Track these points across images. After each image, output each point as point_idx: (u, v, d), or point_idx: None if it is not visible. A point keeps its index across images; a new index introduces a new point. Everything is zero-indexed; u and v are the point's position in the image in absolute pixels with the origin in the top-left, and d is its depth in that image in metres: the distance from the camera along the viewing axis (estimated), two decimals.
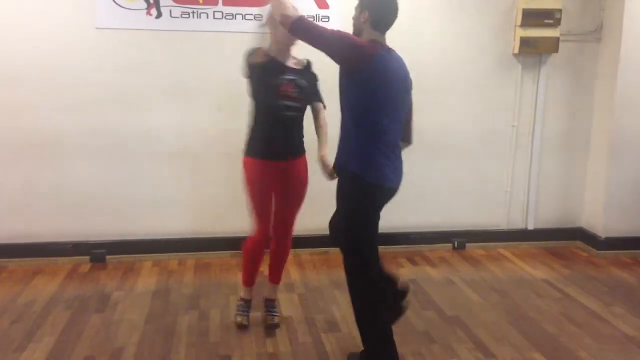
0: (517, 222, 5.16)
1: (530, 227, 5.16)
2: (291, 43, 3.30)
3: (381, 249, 4.95)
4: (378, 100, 2.83)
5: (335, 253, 4.74)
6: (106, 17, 4.32)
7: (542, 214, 5.17)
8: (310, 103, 3.43)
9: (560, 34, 4.78)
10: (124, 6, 4.33)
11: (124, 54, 4.38)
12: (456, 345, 3.39)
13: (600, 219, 4.98)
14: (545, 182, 5.12)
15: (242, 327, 3.54)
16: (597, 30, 4.91)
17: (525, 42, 4.76)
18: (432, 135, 4.87)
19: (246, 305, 3.64)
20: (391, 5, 2.94)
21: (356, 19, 2.96)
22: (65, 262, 4.52)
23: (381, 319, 3.00)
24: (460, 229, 5.06)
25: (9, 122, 4.34)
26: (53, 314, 3.70)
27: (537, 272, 4.58)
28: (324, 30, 2.81)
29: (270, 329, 3.55)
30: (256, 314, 3.69)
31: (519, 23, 4.75)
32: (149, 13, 4.36)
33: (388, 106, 2.86)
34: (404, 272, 4.49)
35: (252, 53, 3.30)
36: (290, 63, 3.36)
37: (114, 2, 4.31)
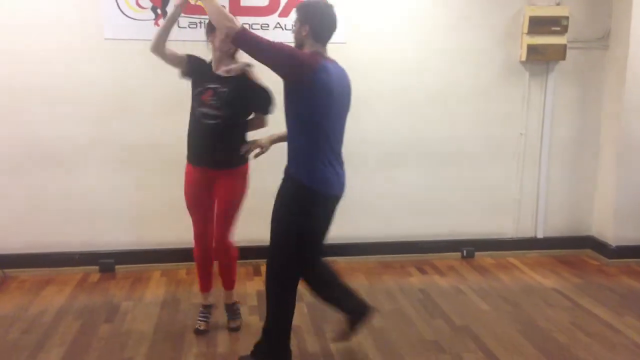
0: (526, 230, 5.14)
1: (540, 235, 5.13)
2: (228, 50, 3.33)
3: (390, 257, 4.97)
4: (322, 109, 2.88)
5: (344, 263, 4.76)
6: (114, 28, 4.35)
7: (552, 222, 5.14)
8: (245, 113, 3.44)
9: (568, 41, 4.77)
10: (132, 17, 4.36)
11: (133, 64, 4.40)
12: (466, 355, 3.37)
13: (610, 227, 4.95)
14: (554, 190, 5.10)
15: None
16: (605, 37, 4.90)
17: (532, 50, 4.75)
18: (440, 144, 4.87)
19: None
20: (331, 17, 2.99)
21: (297, 33, 3.00)
22: (75, 272, 4.54)
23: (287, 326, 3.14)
24: (469, 238, 5.04)
25: (17, 132, 4.38)
26: (63, 324, 3.71)
27: (547, 281, 4.55)
28: (267, 42, 2.81)
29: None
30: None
31: (525, 30, 4.74)
32: (157, 24, 4.38)
33: (331, 114, 2.92)
34: (412, 281, 4.48)
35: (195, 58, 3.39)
36: (221, 71, 3.37)
37: (122, 13, 4.34)
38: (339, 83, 2.96)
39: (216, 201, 3.48)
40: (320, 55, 2.93)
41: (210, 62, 3.42)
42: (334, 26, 2.99)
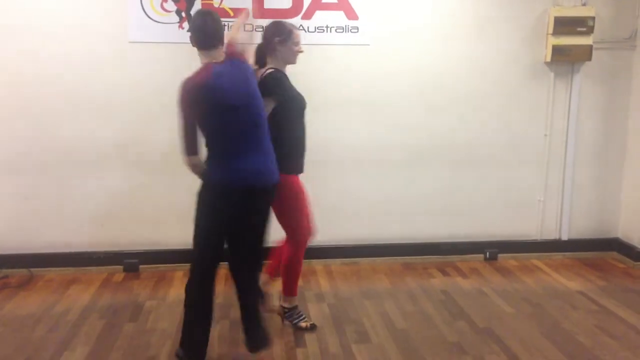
0: (550, 232, 5.08)
1: (565, 237, 5.07)
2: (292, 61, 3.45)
3: (412, 259, 4.97)
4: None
5: (366, 264, 4.76)
6: (139, 31, 4.40)
7: (577, 224, 5.08)
8: None
9: (594, 42, 4.71)
10: (157, 20, 4.41)
11: (157, 67, 4.46)
12: (488, 357, 3.35)
13: (637, 229, 4.87)
14: (579, 192, 5.04)
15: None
16: (632, 38, 4.83)
17: (557, 51, 4.70)
18: (464, 145, 4.85)
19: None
20: (199, 24, 3.01)
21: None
22: (100, 271, 4.60)
23: None
24: (492, 240, 5.00)
25: (43, 133, 4.45)
26: (87, 323, 3.76)
27: (572, 283, 4.50)
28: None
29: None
30: (287, 325, 3.70)
31: (551, 31, 4.70)
32: (180, 26, 4.43)
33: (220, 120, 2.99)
34: (434, 283, 4.46)
35: (281, 76, 3.39)
36: None
37: (147, 16, 4.39)
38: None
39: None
40: (201, 72, 2.98)
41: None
42: (205, 32, 2.99)
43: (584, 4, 4.70)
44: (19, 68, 4.37)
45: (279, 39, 3.38)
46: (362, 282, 4.43)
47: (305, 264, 4.64)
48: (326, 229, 4.25)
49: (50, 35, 4.35)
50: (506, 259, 4.98)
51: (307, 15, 4.51)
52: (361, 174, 4.74)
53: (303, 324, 3.67)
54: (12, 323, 3.75)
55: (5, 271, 4.52)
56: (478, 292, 4.31)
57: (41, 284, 4.39)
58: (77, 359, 3.30)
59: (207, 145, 3.05)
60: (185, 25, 4.42)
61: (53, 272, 4.57)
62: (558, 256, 5.06)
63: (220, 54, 3.02)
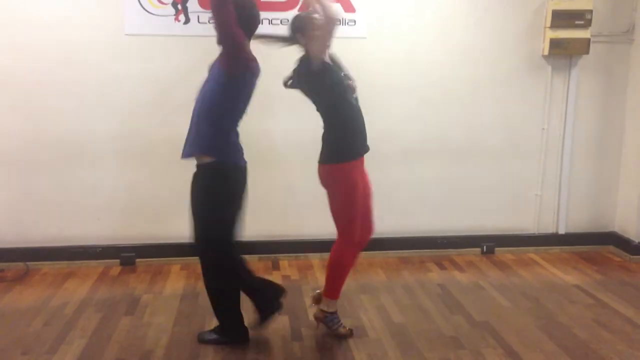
0: (547, 226, 5.09)
1: (562, 231, 5.08)
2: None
3: (409, 253, 4.96)
4: None
5: (363, 258, 4.75)
6: (135, 24, 4.38)
7: (574, 218, 5.08)
8: None
9: (591, 35, 4.70)
10: (153, 12, 4.38)
11: (153, 59, 4.44)
12: (485, 351, 3.35)
13: (633, 223, 4.87)
14: (576, 186, 5.04)
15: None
16: (629, 31, 4.82)
17: (555, 44, 4.69)
18: (461, 138, 4.84)
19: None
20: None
21: None
22: (96, 265, 4.59)
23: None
24: (490, 233, 5.00)
25: (40, 126, 4.43)
26: (84, 316, 3.75)
27: (569, 277, 4.50)
28: None
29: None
30: (284, 318, 3.70)
31: (548, 24, 4.69)
32: (177, 19, 4.41)
33: None
34: (431, 277, 4.46)
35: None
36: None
37: (143, 8, 4.37)
38: None
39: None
40: None
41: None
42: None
43: None
44: (14, 61, 4.34)
45: None
46: (359, 276, 4.43)
47: (302, 258, 4.67)
48: (322, 222, 4.23)
49: (46, 28, 4.32)
50: (503, 253, 4.99)
51: (303, 9, 4.47)
52: None
53: (342, 330, 3.48)
54: (9, 317, 3.74)
55: (1, 265, 4.51)
56: (475, 286, 4.31)
57: (37, 278, 4.38)
58: (74, 352, 3.29)
59: None
60: (182, 17, 4.40)
61: (49, 266, 4.56)
62: (555, 250, 5.06)
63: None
